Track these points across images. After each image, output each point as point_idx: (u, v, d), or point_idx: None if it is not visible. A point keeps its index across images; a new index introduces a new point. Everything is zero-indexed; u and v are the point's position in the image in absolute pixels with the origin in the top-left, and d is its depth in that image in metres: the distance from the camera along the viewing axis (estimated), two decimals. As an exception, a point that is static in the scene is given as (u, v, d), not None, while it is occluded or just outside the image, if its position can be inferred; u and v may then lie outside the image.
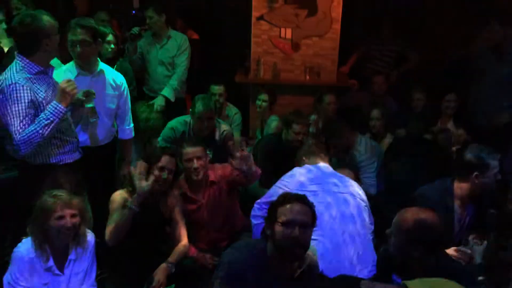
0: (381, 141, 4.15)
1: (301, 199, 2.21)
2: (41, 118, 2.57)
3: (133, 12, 6.23)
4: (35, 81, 2.63)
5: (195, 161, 3.02)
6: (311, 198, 2.67)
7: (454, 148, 3.81)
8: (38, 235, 2.31)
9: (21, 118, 2.52)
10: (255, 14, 4.73)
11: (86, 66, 3.13)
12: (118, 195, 2.77)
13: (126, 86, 3.31)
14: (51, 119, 2.58)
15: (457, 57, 4.90)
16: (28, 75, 2.61)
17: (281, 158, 3.59)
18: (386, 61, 5.09)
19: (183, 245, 2.84)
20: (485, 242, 2.70)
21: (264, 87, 4.68)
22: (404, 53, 5.11)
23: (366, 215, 2.80)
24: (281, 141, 3.89)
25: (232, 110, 4.54)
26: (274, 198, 2.33)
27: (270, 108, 4.58)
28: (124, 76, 3.41)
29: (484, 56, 4.29)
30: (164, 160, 2.79)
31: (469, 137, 3.95)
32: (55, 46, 2.70)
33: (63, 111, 2.62)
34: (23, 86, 2.54)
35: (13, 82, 2.53)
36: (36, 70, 2.63)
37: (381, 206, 3.15)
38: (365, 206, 2.85)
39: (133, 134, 3.42)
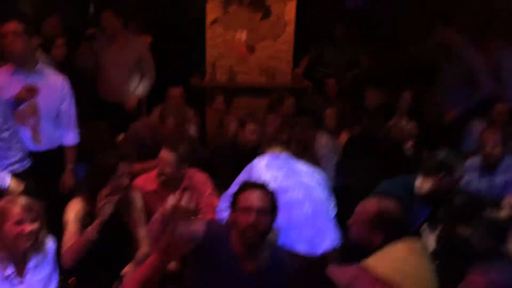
0: (337, 138, 4.28)
1: (259, 186, 2.27)
2: None
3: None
4: None
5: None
6: (273, 181, 2.76)
7: (408, 144, 3.97)
8: None
9: None
10: (209, 18, 4.76)
11: (20, 63, 2.96)
12: (75, 205, 2.63)
13: (69, 89, 3.19)
14: None
15: (409, 57, 5.12)
16: None
17: (238, 160, 3.62)
18: (338, 64, 5.24)
19: (144, 253, 2.71)
20: (437, 229, 2.85)
21: (220, 90, 4.71)
22: (356, 57, 5.27)
23: (325, 193, 2.96)
24: (236, 143, 3.94)
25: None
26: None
27: (228, 111, 4.60)
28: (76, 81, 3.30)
29: (434, 57, 4.52)
30: (122, 167, 2.70)
31: (420, 131, 4.13)
32: None
33: None
34: None
35: None
36: None
37: (340, 199, 3.25)
38: (324, 185, 3.00)
39: (77, 140, 3.28)
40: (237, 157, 3.73)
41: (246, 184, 2.31)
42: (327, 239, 2.73)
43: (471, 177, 3.28)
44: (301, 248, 2.66)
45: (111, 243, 2.65)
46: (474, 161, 3.38)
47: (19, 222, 2.22)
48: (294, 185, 2.87)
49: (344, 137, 4.28)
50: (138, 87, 4.46)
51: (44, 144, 3.12)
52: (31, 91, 2.84)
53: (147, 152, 3.49)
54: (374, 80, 5.10)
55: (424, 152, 3.93)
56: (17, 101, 2.88)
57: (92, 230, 2.50)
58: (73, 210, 2.62)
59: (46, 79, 3.05)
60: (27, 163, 2.80)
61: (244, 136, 3.85)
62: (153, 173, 3.12)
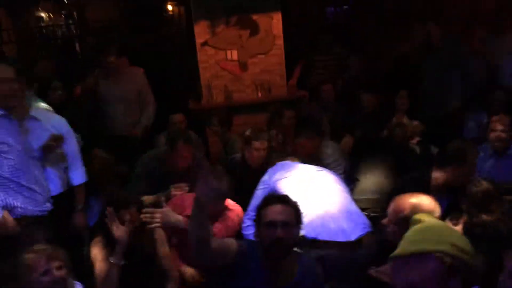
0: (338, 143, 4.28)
1: (281, 199, 2.28)
2: None
3: None
4: None
5: None
6: (289, 183, 2.91)
7: (414, 140, 4.00)
8: None
9: None
10: (198, 40, 4.78)
11: (8, 109, 2.79)
12: (97, 245, 2.63)
13: (69, 130, 3.16)
14: None
15: (396, 57, 5.18)
16: None
17: (246, 178, 3.61)
18: (330, 69, 5.30)
19: (175, 282, 2.75)
20: (461, 221, 2.85)
21: (218, 110, 4.70)
22: (345, 60, 5.34)
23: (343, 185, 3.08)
24: (244, 161, 3.92)
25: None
26: (258, 202, 2.39)
27: (229, 130, 4.59)
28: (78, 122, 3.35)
29: (420, 54, 4.59)
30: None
31: (424, 128, 4.16)
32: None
33: None
34: None
35: None
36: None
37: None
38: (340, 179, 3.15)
39: (84, 178, 3.24)
40: (248, 174, 3.72)
41: (267, 198, 2.31)
42: (358, 225, 2.78)
43: (482, 164, 3.32)
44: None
45: (139, 277, 2.63)
46: (483, 148, 3.41)
47: (45, 273, 2.19)
48: (309, 178, 2.98)
49: (346, 142, 4.29)
50: (142, 118, 4.48)
51: (56, 187, 3.10)
52: (58, 140, 2.86)
53: (157, 183, 3.47)
54: (366, 82, 5.17)
55: (430, 146, 3.98)
56: (45, 150, 2.89)
57: (116, 256, 2.50)
58: (97, 250, 2.62)
59: (44, 123, 2.99)
60: (49, 206, 2.80)
61: (251, 154, 3.84)
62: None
